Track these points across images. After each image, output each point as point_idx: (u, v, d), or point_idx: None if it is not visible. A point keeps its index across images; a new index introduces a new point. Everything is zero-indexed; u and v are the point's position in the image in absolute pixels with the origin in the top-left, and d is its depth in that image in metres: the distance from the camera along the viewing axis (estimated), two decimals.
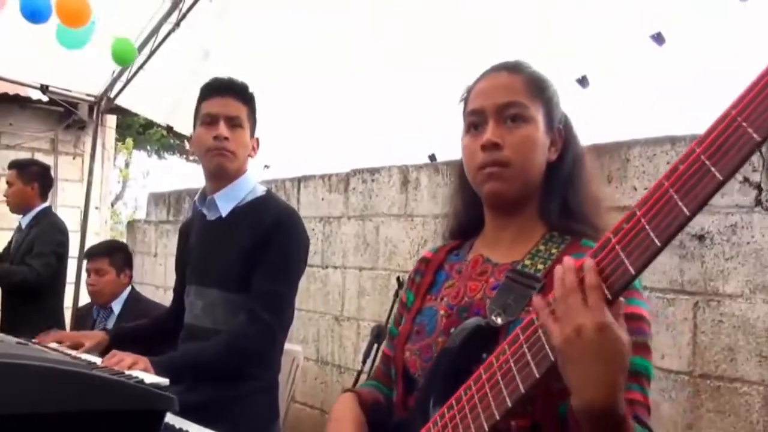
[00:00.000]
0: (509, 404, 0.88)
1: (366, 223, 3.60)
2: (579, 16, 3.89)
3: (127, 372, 1.51)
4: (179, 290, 1.98)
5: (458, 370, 1.02)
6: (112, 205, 14.14)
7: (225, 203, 1.80)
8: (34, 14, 3.54)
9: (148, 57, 5.17)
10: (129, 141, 14.29)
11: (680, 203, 0.75)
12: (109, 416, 1.27)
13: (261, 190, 1.84)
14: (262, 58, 4.89)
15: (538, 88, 1.12)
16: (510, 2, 4.13)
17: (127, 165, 16.18)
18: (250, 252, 1.73)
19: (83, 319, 3.22)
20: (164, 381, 1.47)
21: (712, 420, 2.17)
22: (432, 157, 4.76)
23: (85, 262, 3.13)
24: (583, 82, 3.74)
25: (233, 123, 1.79)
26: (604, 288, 0.81)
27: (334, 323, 3.68)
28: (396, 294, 3.31)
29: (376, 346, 3.19)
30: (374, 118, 4.56)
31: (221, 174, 1.82)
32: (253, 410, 1.77)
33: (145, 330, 2.06)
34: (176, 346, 1.99)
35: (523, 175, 1.09)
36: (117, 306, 3.04)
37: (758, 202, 2.20)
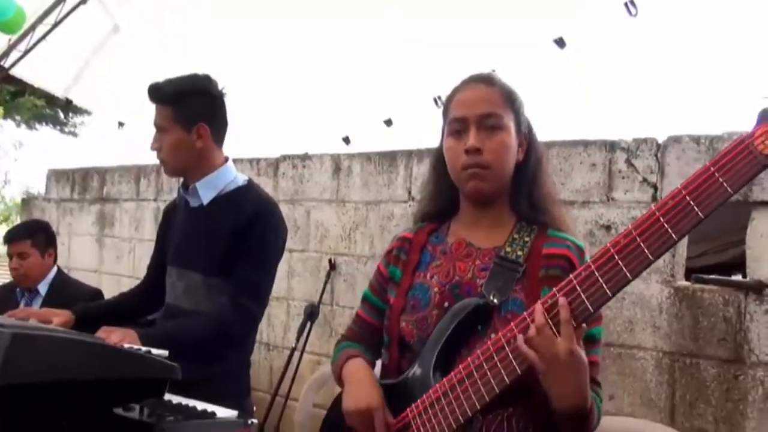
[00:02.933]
0: (519, 371, 1.13)
1: (296, 207, 3.74)
2: (486, 17, 4.23)
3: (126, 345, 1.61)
4: (153, 267, 2.05)
5: (456, 339, 1.26)
6: None
7: (206, 191, 1.89)
8: None
9: (52, 28, 4.95)
10: None
11: (670, 231, 1.03)
12: (127, 383, 1.38)
13: (242, 180, 1.93)
14: (178, 36, 4.84)
15: (510, 99, 1.34)
16: (419, 6, 4.40)
17: None
18: (230, 240, 1.82)
19: (4, 299, 3.11)
20: (164, 353, 1.58)
21: (615, 381, 2.58)
22: (346, 140, 4.97)
23: (5, 246, 3.02)
24: None
25: (159, 130, 1.89)
26: (572, 322, 1.08)
27: None
28: (328, 275, 3.50)
29: (309, 324, 3.37)
30: (295, 103, 4.69)
31: (174, 176, 1.97)
32: (228, 388, 1.84)
33: (113, 309, 2.07)
34: (147, 322, 2.06)
35: (500, 175, 1.31)
36: (43, 288, 2.97)
37: (654, 198, 2.62)
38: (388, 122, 4.99)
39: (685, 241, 2.59)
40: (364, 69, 4.71)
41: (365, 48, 4.63)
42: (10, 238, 2.98)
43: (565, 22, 4.02)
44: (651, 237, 1.04)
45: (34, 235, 2.96)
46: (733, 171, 0.98)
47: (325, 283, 3.48)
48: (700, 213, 1.00)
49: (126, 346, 1.58)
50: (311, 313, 3.33)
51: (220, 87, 1.93)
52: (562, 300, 1.09)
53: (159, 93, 1.87)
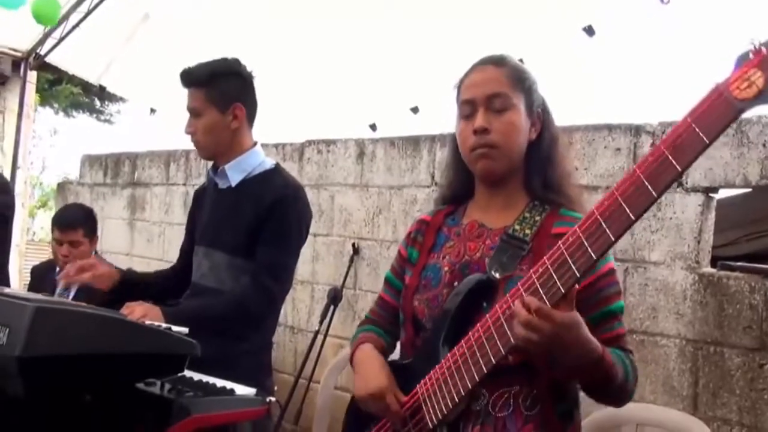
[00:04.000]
0: (513, 341, 1.13)
1: (321, 191, 3.77)
2: (514, 3, 4.18)
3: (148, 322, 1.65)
4: (185, 249, 2.10)
5: (463, 315, 1.27)
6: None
7: (235, 174, 1.94)
8: None
9: (85, 16, 5.04)
10: (35, 97, 13.48)
11: (649, 187, 1.00)
12: (147, 358, 1.42)
13: (270, 164, 1.97)
14: (208, 24, 4.89)
15: (519, 79, 1.33)
16: None
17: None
18: (255, 222, 1.87)
19: (42, 276, 3.17)
20: (184, 330, 1.62)
21: (637, 368, 2.55)
22: (373, 126, 4.98)
23: (54, 230, 2.95)
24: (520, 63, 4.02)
25: (193, 113, 1.93)
26: (583, 255, 1.06)
27: None
28: (351, 259, 3.53)
29: (332, 307, 3.40)
30: (322, 89, 4.70)
31: (208, 158, 2.00)
32: (247, 367, 1.86)
33: (151, 281, 2.14)
34: (173, 304, 2.11)
35: (508, 154, 1.32)
36: None
37: (679, 183, 2.58)
38: (415, 109, 4.98)
39: (711, 227, 2.55)
40: (391, 56, 4.70)
41: (392, 35, 4.61)
42: (66, 225, 2.91)
43: (592, 9, 3.95)
44: (631, 196, 1.02)
45: (86, 224, 2.93)
46: (708, 120, 0.96)
47: (349, 267, 3.50)
48: (678, 166, 0.98)
49: (147, 322, 1.62)
50: (334, 297, 3.36)
51: (248, 69, 1.97)
52: (527, 298, 1.08)
53: (192, 76, 1.91)
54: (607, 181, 2.75)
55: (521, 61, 4.02)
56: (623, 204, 1.02)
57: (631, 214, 1.02)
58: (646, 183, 1.00)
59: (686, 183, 2.56)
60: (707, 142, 0.96)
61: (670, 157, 0.98)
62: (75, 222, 2.92)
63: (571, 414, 1.30)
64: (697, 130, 0.96)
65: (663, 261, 2.56)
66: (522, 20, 4.27)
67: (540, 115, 1.36)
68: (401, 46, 4.54)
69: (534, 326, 1.07)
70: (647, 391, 2.54)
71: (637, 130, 2.71)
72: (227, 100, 1.91)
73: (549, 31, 4.15)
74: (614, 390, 1.22)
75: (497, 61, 1.35)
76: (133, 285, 1.99)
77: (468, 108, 1.32)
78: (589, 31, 4.23)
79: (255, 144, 1.98)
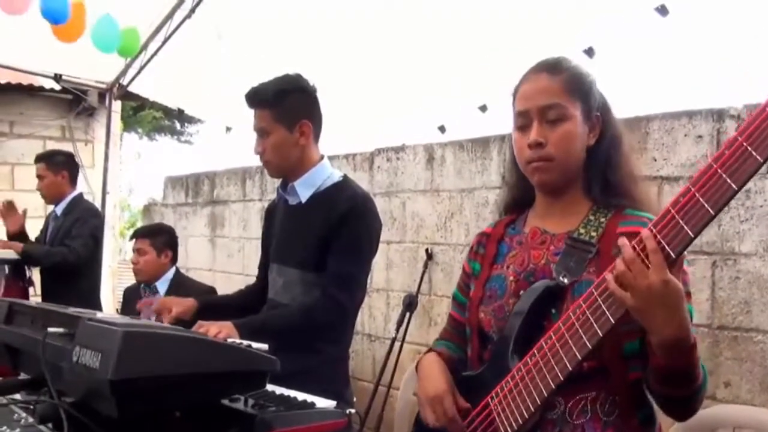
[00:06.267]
0: (590, 346, 1.10)
1: (392, 199, 3.79)
2: None
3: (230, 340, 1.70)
4: (263, 266, 2.16)
5: (532, 324, 1.25)
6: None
7: (304, 190, 1.97)
8: (54, 16, 3.69)
9: (162, 44, 5.25)
10: (120, 124, 14.28)
11: (728, 180, 0.96)
12: (231, 376, 1.46)
13: (338, 176, 2.00)
14: (277, 39, 5.00)
15: (576, 86, 1.29)
16: None
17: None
18: (326, 236, 1.89)
19: (132, 297, 3.41)
20: (265, 346, 1.66)
21: (731, 366, 2.42)
22: (442, 128, 4.95)
23: (132, 242, 3.39)
24: (589, 52, 3.90)
25: (260, 133, 1.96)
26: (662, 251, 1.01)
27: None
28: (425, 265, 3.52)
29: (408, 314, 3.41)
30: (389, 96, 4.72)
31: (279, 176, 2.04)
32: (325, 379, 1.87)
33: (233, 302, 2.23)
34: None
35: (565, 165, 1.29)
36: (162, 286, 3.25)
37: None
38: (483, 108, 4.92)
39: None
40: (456, 54, 4.65)
41: (455, 33, 4.57)
42: (134, 235, 3.40)
43: None
44: (710, 190, 0.98)
45: (154, 236, 3.29)
46: None
47: (423, 273, 3.50)
48: (758, 156, 0.93)
49: (229, 341, 1.68)
50: (410, 304, 3.37)
51: (311, 83, 1.99)
52: (645, 232, 1.04)
53: (259, 96, 1.94)
54: (690, 171, 2.63)
55: (591, 50, 3.85)
56: (701, 200, 0.98)
57: (710, 209, 0.97)
58: (725, 176, 0.96)
59: None
60: None
61: (750, 148, 0.94)
62: (143, 233, 3.37)
63: (652, 418, 1.25)
64: None
65: (755, 252, 2.41)
66: (592, 5, 4.14)
67: (599, 118, 1.32)
68: (466, 44, 4.50)
69: (640, 275, 1.01)
70: (743, 390, 2.39)
71: (720, 115, 2.57)
72: (294, 118, 1.93)
73: (620, 16, 3.99)
74: (691, 393, 1.14)
75: (551, 68, 1.31)
76: (214, 308, 2.06)
77: (522, 120, 1.30)
78: (662, 10, 4.05)
79: (322, 158, 2.01)
